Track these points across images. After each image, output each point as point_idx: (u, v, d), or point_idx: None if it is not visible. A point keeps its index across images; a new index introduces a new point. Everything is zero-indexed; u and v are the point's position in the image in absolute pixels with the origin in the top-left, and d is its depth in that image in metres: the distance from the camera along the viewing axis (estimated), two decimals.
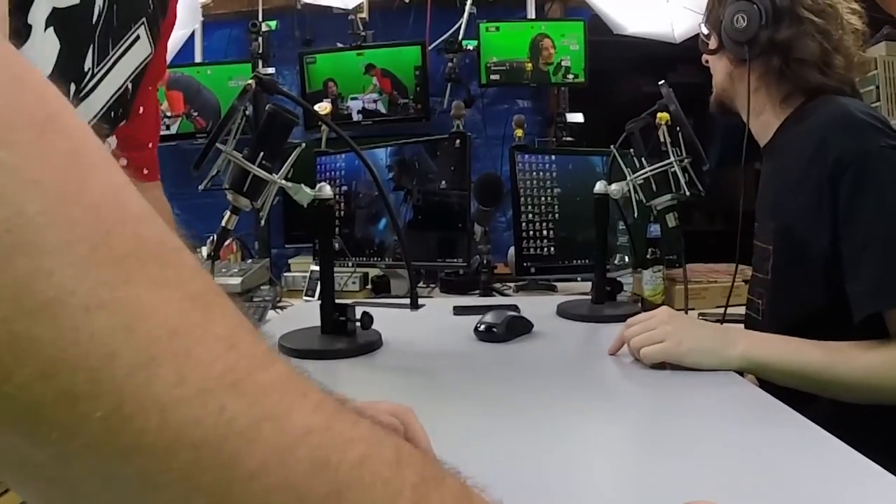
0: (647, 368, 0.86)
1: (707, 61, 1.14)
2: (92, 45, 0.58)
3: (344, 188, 1.87)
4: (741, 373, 0.87)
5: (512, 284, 1.94)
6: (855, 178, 0.86)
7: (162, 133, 2.70)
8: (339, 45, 2.66)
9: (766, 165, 1.06)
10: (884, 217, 0.84)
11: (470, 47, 2.54)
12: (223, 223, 0.96)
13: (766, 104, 1.04)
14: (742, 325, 1.13)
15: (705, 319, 1.42)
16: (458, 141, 1.65)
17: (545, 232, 1.81)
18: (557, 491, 0.54)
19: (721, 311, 1.58)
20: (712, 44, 1.09)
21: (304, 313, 1.20)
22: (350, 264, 1.83)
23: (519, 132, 1.99)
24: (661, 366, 0.86)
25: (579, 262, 1.81)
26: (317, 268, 1.87)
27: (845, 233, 0.87)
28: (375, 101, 2.60)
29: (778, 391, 0.80)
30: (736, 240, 1.09)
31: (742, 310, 1.58)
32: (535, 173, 1.82)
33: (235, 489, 0.23)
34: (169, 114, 2.65)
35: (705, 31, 1.12)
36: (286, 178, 0.97)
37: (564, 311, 1.22)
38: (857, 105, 0.92)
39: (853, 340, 0.86)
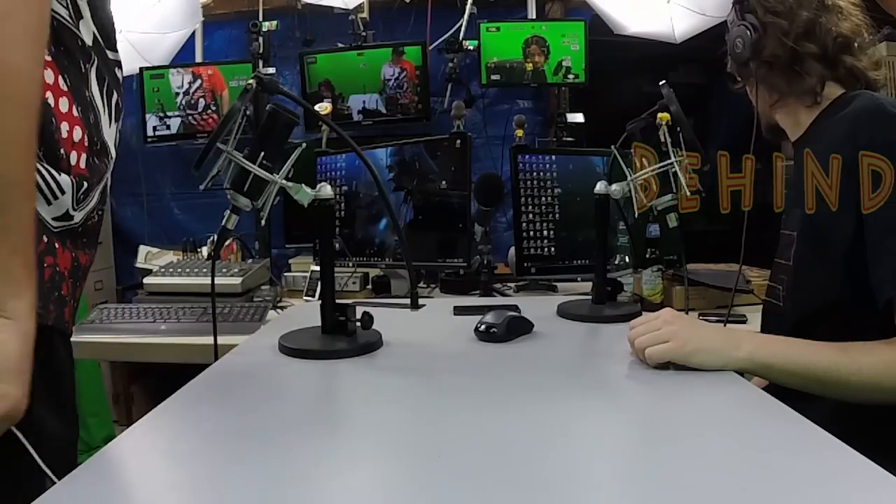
0: (647, 369, 0.86)
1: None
2: None
3: (344, 188, 1.87)
4: (741, 373, 0.87)
5: (512, 284, 1.95)
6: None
7: (162, 133, 2.73)
8: (340, 45, 2.66)
9: (796, 157, 1.07)
10: None
11: (470, 47, 2.54)
12: (223, 223, 0.96)
13: (784, 102, 1.07)
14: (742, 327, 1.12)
15: (706, 320, 1.42)
16: (458, 141, 1.65)
17: (545, 232, 1.81)
18: (558, 491, 0.54)
19: (721, 311, 1.59)
20: (740, 78, 1.13)
21: (305, 313, 1.20)
22: (350, 264, 1.84)
23: (519, 132, 1.99)
24: (664, 366, 0.86)
25: (580, 262, 1.82)
26: (317, 268, 1.87)
27: (870, 220, 0.87)
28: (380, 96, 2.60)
29: (777, 391, 0.80)
30: (739, 240, 1.10)
31: (743, 310, 1.59)
32: (535, 173, 1.82)
33: None
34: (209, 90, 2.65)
35: (731, 71, 1.16)
36: (287, 178, 0.97)
37: (565, 312, 1.22)
38: (889, 100, 0.93)
39: (869, 333, 0.86)
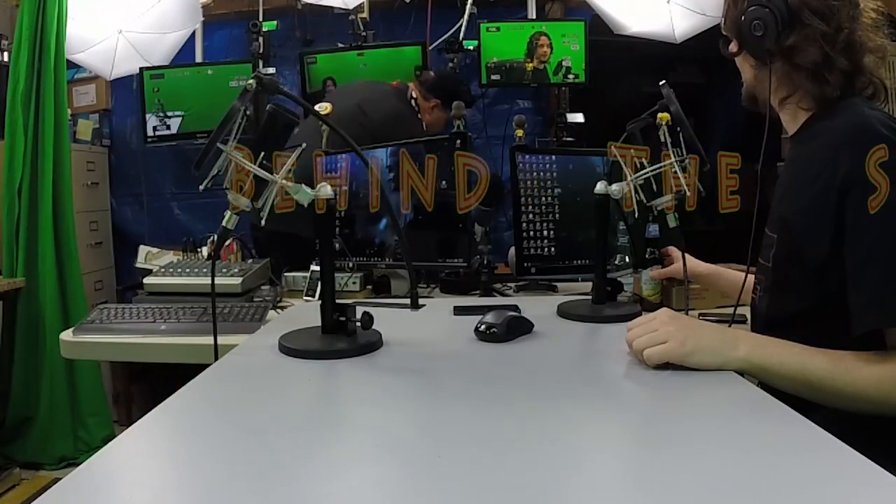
0: (646, 369, 0.86)
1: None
2: None
3: (344, 188, 1.87)
4: (741, 373, 0.87)
5: (512, 285, 1.94)
6: (864, 192, 0.85)
7: (162, 133, 2.74)
8: (340, 45, 2.66)
9: (790, 154, 1.06)
10: (890, 233, 0.84)
11: (470, 47, 2.54)
12: (223, 223, 0.96)
13: (792, 100, 1.04)
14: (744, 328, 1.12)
15: (706, 320, 1.42)
16: (458, 141, 1.65)
17: (546, 232, 1.81)
18: (558, 491, 0.54)
19: (721, 311, 1.59)
20: (733, 47, 1.08)
21: (305, 313, 1.20)
22: (350, 264, 1.83)
23: (519, 132, 1.98)
24: (664, 366, 0.86)
25: (580, 262, 1.81)
26: (317, 268, 1.87)
27: (851, 245, 0.86)
28: None
29: (780, 393, 0.80)
30: (740, 240, 1.10)
31: (742, 310, 1.59)
32: (535, 173, 1.82)
33: None
34: None
35: (725, 33, 1.11)
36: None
37: (565, 312, 1.22)
38: (878, 117, 0.90)
39: (846, 340, 0.86)
